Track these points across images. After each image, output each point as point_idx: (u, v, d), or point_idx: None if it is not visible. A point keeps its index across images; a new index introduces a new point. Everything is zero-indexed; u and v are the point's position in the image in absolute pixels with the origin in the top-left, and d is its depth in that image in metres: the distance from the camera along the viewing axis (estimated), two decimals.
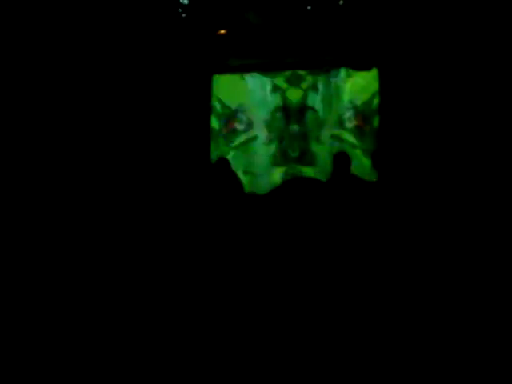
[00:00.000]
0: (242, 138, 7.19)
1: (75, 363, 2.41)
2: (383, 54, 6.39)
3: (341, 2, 6.03)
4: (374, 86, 6.67)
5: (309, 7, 6.24)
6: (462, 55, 5.77)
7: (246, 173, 7.03)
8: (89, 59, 6.06)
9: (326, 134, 6.90)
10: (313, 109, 6.95)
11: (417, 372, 1.53)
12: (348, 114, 6.81)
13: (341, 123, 6.84)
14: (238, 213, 4.46)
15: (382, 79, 6.57)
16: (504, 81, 5.49)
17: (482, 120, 5.55)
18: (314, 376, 1.50)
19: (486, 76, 5.60)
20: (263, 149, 7.11)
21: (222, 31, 6.80)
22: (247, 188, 6.67)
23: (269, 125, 7.09)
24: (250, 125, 7.17)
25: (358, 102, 6.78)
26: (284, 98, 7.04)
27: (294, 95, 7.01)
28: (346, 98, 6.82)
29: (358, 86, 6.78)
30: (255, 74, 7.15)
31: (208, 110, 7.26)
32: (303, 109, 6.99)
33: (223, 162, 5.26)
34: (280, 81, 7.05)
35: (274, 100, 7.08)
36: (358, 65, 6.61)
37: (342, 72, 6.82)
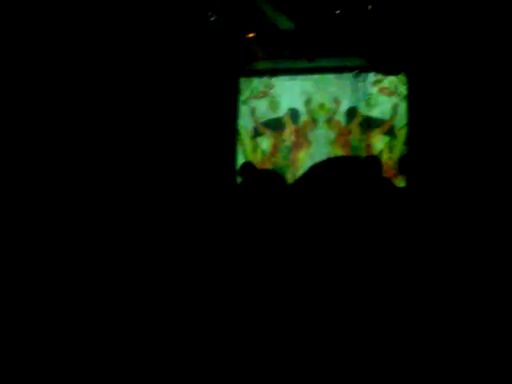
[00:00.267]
0: (270, 141, 7.21)
1: (75, 363, 2.41)
2: (412, 58, 6.33)
3: (369, 7, 5.99)
4: (402, 90, 6.61)
5: (337, 11, 6.22)
6: (491, 60, 5.68)
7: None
8: (118, 61, 6.11)
9: (353, 138, 6.86)
10: (340, 113, 6.92)
11: (417, 372, 1.51)
12: (375, 119, 6.76)
13: (368, 127, 6.79)
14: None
15: (411, 83, 6.51)
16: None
17: None
18: (314, 376, 1.49)
19: None
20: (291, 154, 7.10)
21: (250, 34, 6.81)
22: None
23: (295, 129, 7.08)
24: (277, 128, 7.18)
25: (386, 107, 6.72)
26: (311, 102, 7.03)
27: (322, 99, 6.98)
28: (373, 102, 6.77)
29: (385, 90, 6.72)
30: (283, 78, 7.15)
31: (234, 113, 7.30)
32: (331, 113, 6.96)
33: (249, 167, 5.22)
34: (308, 85, 7.03)
35: (301, 103, 7.07)
36: (387, 69, 6.56)
37: (370, 76, 6.77)
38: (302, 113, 7.05)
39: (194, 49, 6.80)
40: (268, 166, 7.08)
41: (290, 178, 7.00)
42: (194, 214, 4.63)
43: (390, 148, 6.63)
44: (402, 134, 6.57)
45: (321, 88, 6.95)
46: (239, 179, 5.28)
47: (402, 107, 6.61)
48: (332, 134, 6.91)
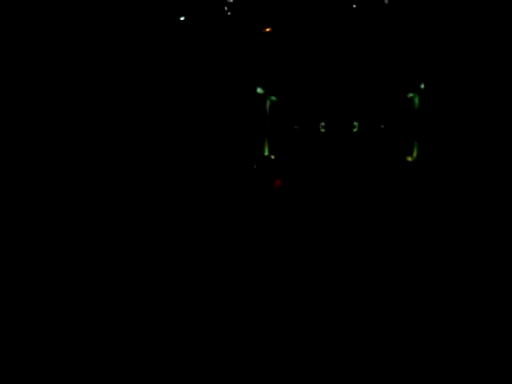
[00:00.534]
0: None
1: (75, 363, 2.43)
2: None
3: (386, 1, 5.99)
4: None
5: (354, 5, 6.22)
6: (498, 61, 5.64)
7: None
8: (129, 59, 6.15)
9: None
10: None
11: (417, 372, 1.54)
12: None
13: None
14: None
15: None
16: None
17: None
18: (314, 376, 1.51)
19: None
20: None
21: (268, 29, 6.82)
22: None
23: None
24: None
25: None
26: None
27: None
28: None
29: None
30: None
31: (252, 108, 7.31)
32: None
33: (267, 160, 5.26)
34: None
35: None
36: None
37: None
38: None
39: (212, 44, 6.83)
40: None
41: None
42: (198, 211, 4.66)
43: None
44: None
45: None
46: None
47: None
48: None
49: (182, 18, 6.39)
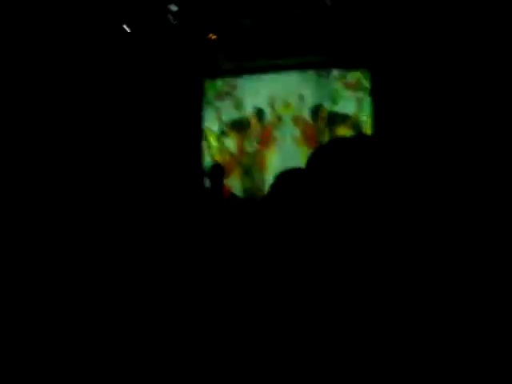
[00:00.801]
0: (237, 142, 7.21)
1: (75, 363, 2.39)
2: (373, 52, 6.39)
3: (329, 2, 6.03)
4: (366, 85, 6.67)
5: (296, 10, 6.25)
6: (455, 53, 5.76)
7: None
8: (80, 64, 6.03)
9: (319, 134, 6.89)
10: (306, 110, 6.95)
11: (417, 372, 1.51)
12: (340, 114, 6.81)
13: (333, 123, 6.83)
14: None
15: (374, 78, 6.57)
16: (499, 80, 5.48)
17: (479, 120, 5.52)
18: (314, 376, 1.48)
19: (481, 75, 5.58)
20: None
21: (212, 35, 6.79)
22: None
23: (261, 128, 7.09)
24: (242, 129, 7.18)
25: (351, 102, 6.78)
26: (276, 101, 7.04)
27: (286, 97, 7.00)
28: (338, 98, 6.81)
29: (349, 85, 6.77)
30: (246, 77, 7.15)
31: (200, 114, 7.27)
32: (296, 111, 6.99)
33: (218, 169, 5.18)
34: (272, 84, 7.04)
35: (266, 103, 7.08)
36: (350, 64, 6.61)
37: (334, 72, 6.81)
38: (266, 112, 7.06)
39: (157, 52, 6.76)
40: (235, 166, 7.09)
41: (258, 176, 7.03)
42: (162, 218, 4.60)
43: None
44: (367, 128, 6.63)
45: (285, 87, 6.97)
46: (208, 181, 5.24)
47: (367, 101, 6.67)
48: (298, 132, 6.93)
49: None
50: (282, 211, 1.41)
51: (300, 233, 1.34)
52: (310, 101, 6.90)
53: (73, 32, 5.83)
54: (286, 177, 1.49)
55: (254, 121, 7.11)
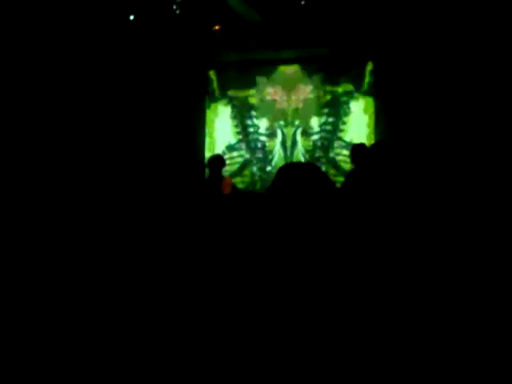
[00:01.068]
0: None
1: (75, 363, 2.40)
2: (378, 48, 6.36)
3: None
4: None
5: (302, 2, 6.22)
6: (453, 51, 5.74)
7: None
8: (82, 59, 6.02)
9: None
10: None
11: (417, 372, 1.52)
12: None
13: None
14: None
15: (377, 73, 6.55)
16: (499, 79, 5.46)
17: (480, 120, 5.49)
18: (314, 376, 1.49)
19: (482, 74, 5.56)
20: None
21: (217, 27, 6.77)
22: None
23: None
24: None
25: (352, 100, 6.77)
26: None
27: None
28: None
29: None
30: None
31: (203, 105, 7.28)
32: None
33: (218, 160, 5.18)
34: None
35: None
36: (353, 59, 6.58)
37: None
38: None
39: (162, 44, 6.74)
40: None
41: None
42: (163, 210, 4.61)
43: None
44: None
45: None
46: (207, 172, 5.25)
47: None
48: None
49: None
50: (284, 204, 1.41)
51: (301, 226, 1.35)
52: None
53: (76, 23, 5.83)
54: (288, 170, 1.49)
55: None
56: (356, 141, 5.85)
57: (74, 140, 5.71)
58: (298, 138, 6.89)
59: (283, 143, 6.94)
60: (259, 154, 7.07)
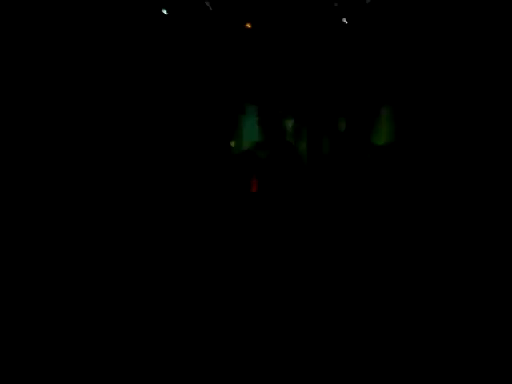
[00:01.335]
0: None
1: (75, 363, 2.43)
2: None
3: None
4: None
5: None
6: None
7: None
8: (104, 57, 6.05)
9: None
10: None
11: (417, 372, 1.54)
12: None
13: None
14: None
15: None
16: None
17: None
18: (314, 376, 1.49)
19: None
20: None
21: (248, 25, 6.78)
22: None
23: None
24: None
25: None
26: None
27: None
28: None
29: None
30: None
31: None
32: None
33: (245, 158, 5.21)
34: None
35: None
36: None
37: None
38: None
39: (195, 43, 6.76)
40: None
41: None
42: (190, 207, 4.64)
43: None
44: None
45: None
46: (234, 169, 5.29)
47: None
48: None
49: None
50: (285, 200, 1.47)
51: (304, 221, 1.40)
52: None
53: (87, 18, 5.84)
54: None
55: None
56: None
57: (80, 124, 5.66)
58: None
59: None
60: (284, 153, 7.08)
